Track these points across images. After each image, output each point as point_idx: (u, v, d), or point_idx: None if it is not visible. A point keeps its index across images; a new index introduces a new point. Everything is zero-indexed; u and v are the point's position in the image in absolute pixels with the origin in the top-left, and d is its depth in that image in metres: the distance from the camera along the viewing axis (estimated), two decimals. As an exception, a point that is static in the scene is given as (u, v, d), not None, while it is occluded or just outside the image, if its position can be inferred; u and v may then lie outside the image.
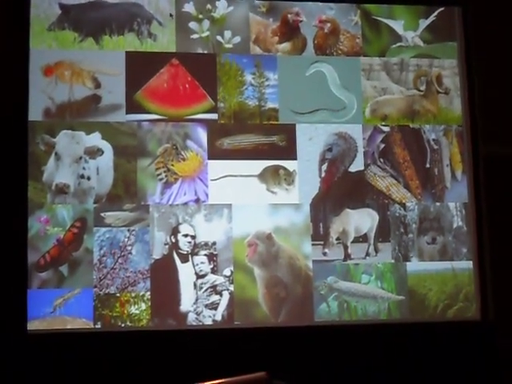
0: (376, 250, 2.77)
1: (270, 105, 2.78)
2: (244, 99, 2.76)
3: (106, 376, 2.50)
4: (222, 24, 2.79)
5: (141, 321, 2.59)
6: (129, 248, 2.61)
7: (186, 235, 2.65)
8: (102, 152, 2.64)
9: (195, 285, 2.64)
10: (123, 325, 2.58)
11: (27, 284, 2.53)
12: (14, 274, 2.52)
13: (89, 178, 2.63)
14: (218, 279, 2.65)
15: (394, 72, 2.90)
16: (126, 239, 2.62)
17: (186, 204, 2.67)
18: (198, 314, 2.62)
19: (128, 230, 2.62)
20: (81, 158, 2.63)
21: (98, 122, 2.66)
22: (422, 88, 2.91)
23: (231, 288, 2.65)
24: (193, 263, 2.64)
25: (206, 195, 2.68)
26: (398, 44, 2.92)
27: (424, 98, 2.90)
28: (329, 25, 2.87)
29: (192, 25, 2.77)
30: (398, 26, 2.92)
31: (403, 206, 2.82)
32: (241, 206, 2.70)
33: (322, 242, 2.74)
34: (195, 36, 2.77)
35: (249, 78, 2.78)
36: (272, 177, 2.73)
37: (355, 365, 2.66)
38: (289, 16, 2.84)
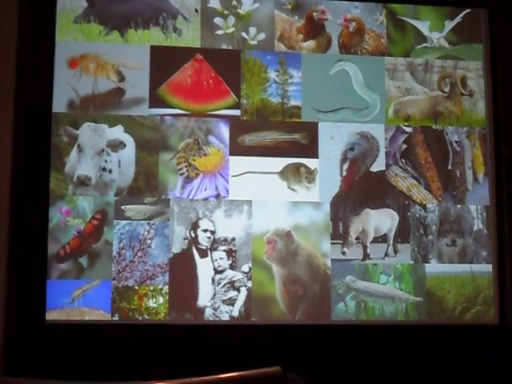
0: (395, 251, 2.77)
1: (293, 102, 2.77)
2: (267, 96, 2.76)
3: (122, 368, 2.51)
4: (247, 20, 2.79)
5: (158, 314, 2.59)
6: (148, 241, 2.62)
7: (205, 230, 2.66)
8: (125, 145, 2.65)
9: (213, 280, 2.64)
10: (140, 318, 2.59)
11: (47, 274, 2.55)
12: (34, 264, 2.54)
13: (110, 171, 2.64)
14: (236, 275, 2.65)
15: (419, 73, 2.88)
16: (146, 233, 2.62)
17: (206, 199, 2.67)
18: (215, 309, 2.63)
19: (148, 224, 2.63)
20: (103, 150, 2.64)
21: (121, 115, 2.67)
22: (446, 89, 2.89)
23: (249, 284, 2.66)
24: (211, 258, 2.65)
25: (227, 191, 2.69)
26: (423, 45, 2.91)
27: (448, 99, 2.89)
28: (354, 24, 2.86)
29: (217, 20, 2.78)
30: (423, 26, 2.91)
31: (424, 207, 2.81)
32: (261, 203, 2.70)
33: (341, 241, 2.74)
34: (220, 32, 2.77)
35: (272, 75, 2.78)
36: (293, 174, 2.73)
37: (371, 365, 2.66)
38: (314, 14, 2.84)
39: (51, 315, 2.54)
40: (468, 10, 2.96)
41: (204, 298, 2.63)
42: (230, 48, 2.77)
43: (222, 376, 1.32)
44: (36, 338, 2.51)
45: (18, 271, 2.52)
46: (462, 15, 2.95)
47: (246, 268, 2.66)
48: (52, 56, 2.65)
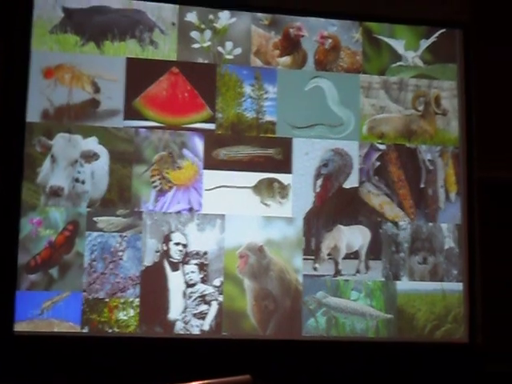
0: (367, 268, 2.77)
1: (268, 118, 2.78)
2: (242, 111, 2.77)
3: (91, 381, 2.49)
4: (224, 35, 2.80)
5: (128, 327, 2.58)
6: (120, 254, 2.61)
7: (177, 243, 2.65)
8: (98, 157, 2.65)
9: (184, 293, 2.63)
10: (110, 330, 2.57)
11: (16, 285, 2.53)
12: (3, 274, 2.52)
13: (83, 182, 2.63)
14: (208, 289, 2.65)
15: (393, 91, 2.90)
16: (118, 245, 2.61)
17: (179, 212, 2.67)
18: (185, 322, 2.62)
19: (120, 236, 2.62)
20: (76, 161, 2.63)
21: (95, 127, 2.66)
22: (420, 108, 2.92)
23: (220, 298, 2.65)
24: (183, 272, 2.64)
25: (200, 205, 2.68)
26: (398, 63, 2.93)
27: (422, 118, 2.91)
28: (330, 41, 2.87)
29: (194, 34, 2.78)
30: (398, 45, 2.93)
31: (396, 224, 2.82)
32: (234, 217, 2.70)
33: (313, 257, 2.74)
34: (196, 45, 2.78)
35: (248, 89, 2.79)
36: (266, 189, 2.74)
37: (340, 381, 2.66)
38: (291, 30, 2.85)
39: (19, 326, 2.51)
40: (443, 30, 2.98)
41: (175, 311, 2.62)
42: (206, 62, 2.78)
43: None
44: (3, 349, 2.49)
45: (-13, 281, 2.50)
46: (437, 35, 2.98)
47: (217, 282, 2.66)
48: (27, 65, 2.64)
